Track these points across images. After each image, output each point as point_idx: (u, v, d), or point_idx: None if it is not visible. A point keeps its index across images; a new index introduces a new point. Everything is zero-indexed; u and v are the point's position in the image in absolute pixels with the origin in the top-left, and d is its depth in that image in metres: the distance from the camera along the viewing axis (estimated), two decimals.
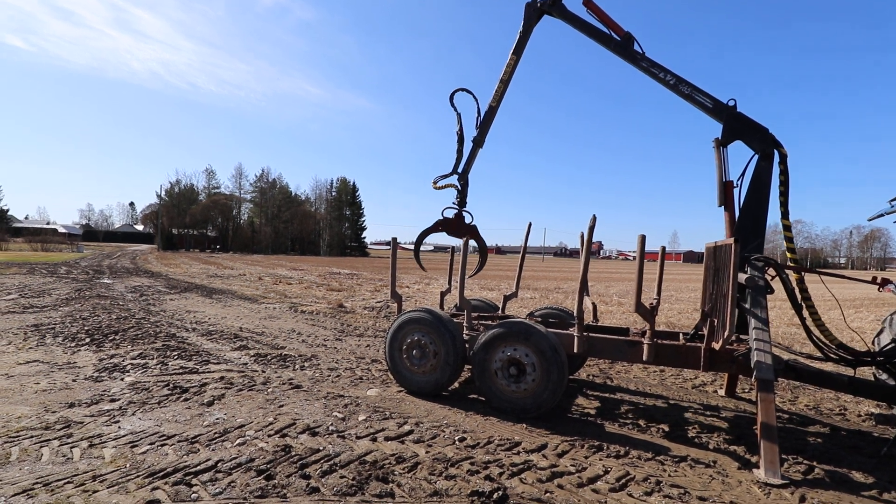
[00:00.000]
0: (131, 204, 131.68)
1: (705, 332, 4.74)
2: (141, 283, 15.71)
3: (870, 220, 4.30)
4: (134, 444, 3.46)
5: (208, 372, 5.34)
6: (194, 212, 75.70)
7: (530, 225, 6.36)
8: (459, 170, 5.99)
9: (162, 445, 3.43)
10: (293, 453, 3.29)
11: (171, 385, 4.80)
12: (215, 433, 3.62)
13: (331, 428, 3.76)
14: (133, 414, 4.04)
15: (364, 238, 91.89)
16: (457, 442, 3.68)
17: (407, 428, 3.89)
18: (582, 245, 5.83)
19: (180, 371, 5.34)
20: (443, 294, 6.49)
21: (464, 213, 6.10)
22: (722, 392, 5.48)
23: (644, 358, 4.18)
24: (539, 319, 5.54)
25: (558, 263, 70.48)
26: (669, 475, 3.31)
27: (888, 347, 4.01)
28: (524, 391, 4.30)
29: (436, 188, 6.10)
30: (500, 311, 6.21)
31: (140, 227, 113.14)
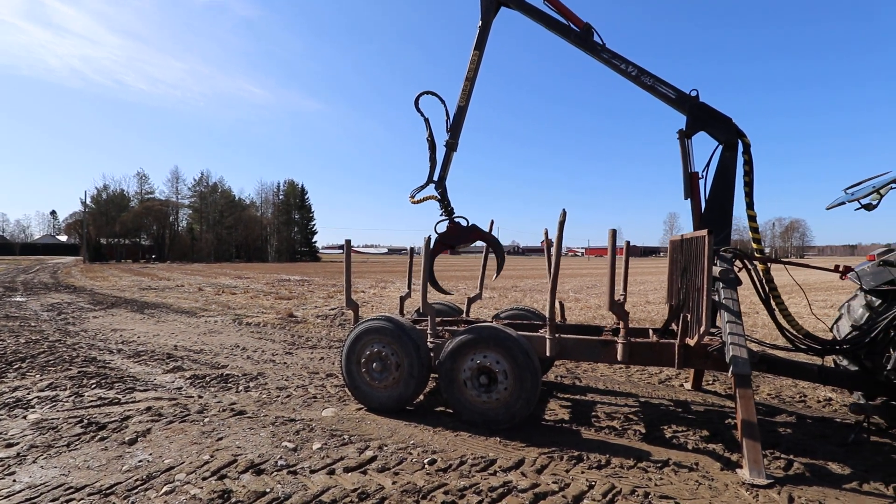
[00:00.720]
0: (52, 213, 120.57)
1: (676, 327, 4.64)
2: (60, 300, 14.08)
3: (828, 208, 4.38)
4: (32, 501, 2.80)
5: (132, 402, 4.62)
6: (125, 219, 70.25)
7: (492, 223, 6.07)
8: (436, 178, 5.59)
9: (68, 502, 2.80)
10: (234, 500, 2.77)
11: (86, 421, 4.07)
12: (137, 480, 3.02)
13: (280, 462, 3.25)
14: (34, 461, 3.34)
15: (315, 242, 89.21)
16: (426, 466, 3.29)
17: (369, 454, 3.45)
18: (547, 243, 5.61)
19: (98, 403, 4.58)
20: (402, 299, 6.07)
21: (456, 220, 5.69)
22: (688, 385, 5.44)
23: (619, 357, 3.98)
24: (506, 322, 5.25)
25: (512, 261, 71.56)
26: (656, 484, 3.10)
27: (851, 336, 4.03)
28: (496, 401, 3.98)
29: (414, 203, 5.65)
30: (464, 315, 5.88)
31: (63, 238, 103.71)
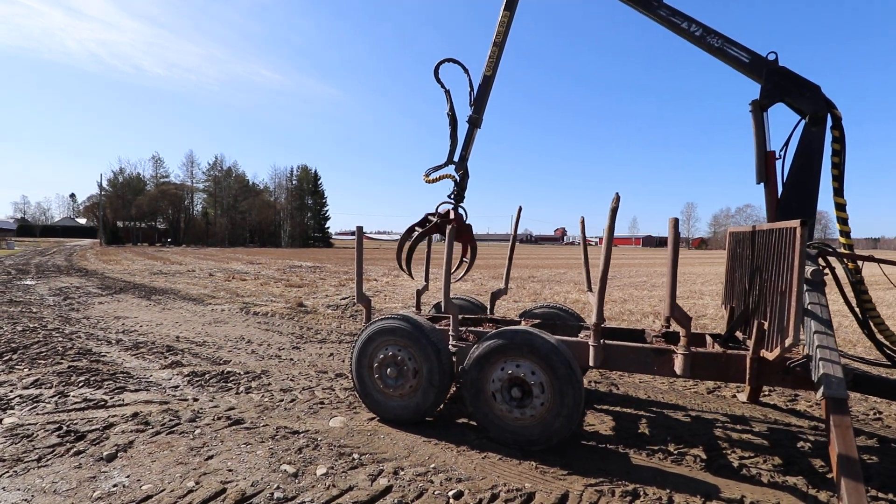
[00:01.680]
0: (72, 196, 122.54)
1: (741, 335, 3.99)
2: (69, 284, 13.85)
3: (428, 181, 4.85)
4: None
5: (120, 405, 4.15)
6: (141, 203, 70.91)
7: (520, 209, 5.44)
8: (456, 157, 4.96)
9: None
10: None
11: (64, 429, 3.60)
12: None
13: (277, 495, 2.72)
14: None
15: (328, 228, 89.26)
16: (451, 501, 2.74)
17: (383, 482, 2.91)
18: (583, 230, 4.97)
19: (82, 405, 4.12)
20: (419, 293, 5.50)
21: (460, 211, 5.08)
22: (742, 397, 4.79)
23: (678, 370, 3.36)
24: (537, 322, 4.65)
25: (525, 250, 70.60)
26: None
27: None
28: (530, 418, 3.41)
29: (428, 182, 5.02)
30: (488, 312, 5.28)
31: (82, 221, 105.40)
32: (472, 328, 4.18)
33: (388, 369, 3.84)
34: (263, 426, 3.78)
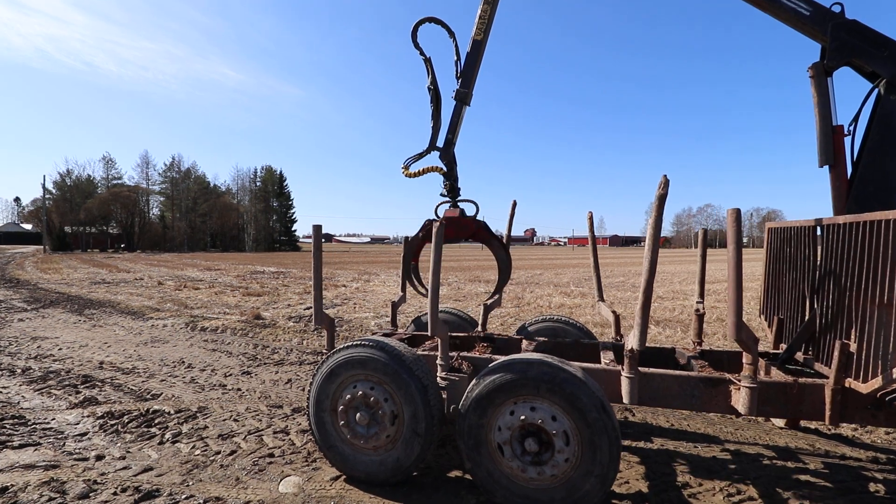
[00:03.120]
0: (16, 200, 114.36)
1: (803, 355, 3.25)
2: None
3: (409, 174, 4.03)
4: None
5: None
6: (91, 206, 66.47)
7: (515, 204, 4.59)
8: (440, 142, 4.05)
9: None
10: None
11: None
12: None
13: None
14: None
15: (295, 231, 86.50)
16: None
17: None
18: (592, 227, 4.17)
19: None
20: (395, 305, 4.55)
21: (460, 206, 4.18)
22: (779, 422, 4.10)
23: (742, 407, 2.57)
24: (543, 341, 3.80)
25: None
26: None
27: None
28: (551, 478, 2.54)
29: (408, 175, 4.07)
30: (479, 328, 4.40)
31: (28, 227, 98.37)
32: (465, 354, 3.28)
33: (358, 414, 2.90)
34: (187, 499, 2.76)
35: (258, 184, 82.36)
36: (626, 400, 2.75)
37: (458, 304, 10.90)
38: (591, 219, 4.15)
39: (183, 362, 5.90)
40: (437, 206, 4.24)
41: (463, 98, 4.06)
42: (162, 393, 4.73)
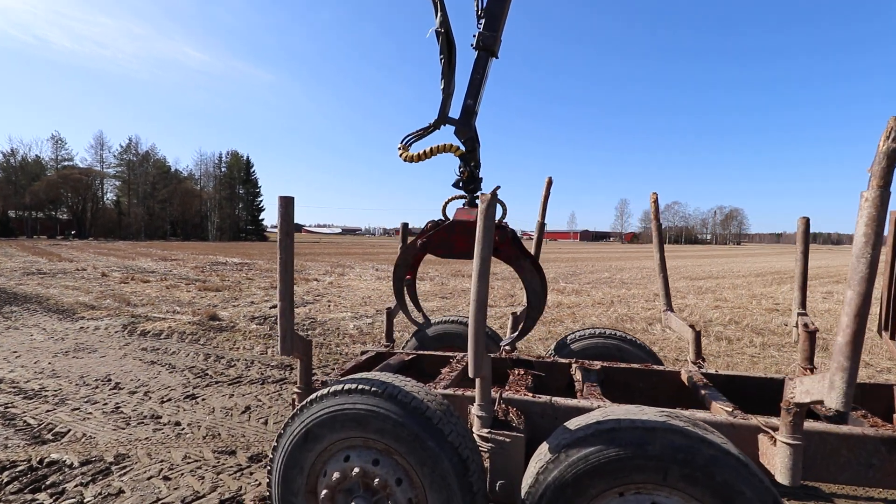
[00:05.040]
0: None
1: None
2: None
3: (409, 158, 2.77)
4: None
5: None
6: (37, 190, 61.59)
7: (550, 182, 3.54)
8: (454, 111, 2.85)
9: None
10: None
11: None
12: None
13: None
14: None
15: (262, 220, 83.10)
16: None
17: None
18: (656, 210, 3.17)
19: None
20: (391, 315, 3.45)
21: (477, 202, 2.95)
22: None
23: None
24: (595, 366, 2.77)
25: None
26: None
27: None
28: None
29: (409, 159, 2.83)
30: (505, 344, 3.33)
31: None
32: (511, 396, 2.21)
33: (354, 502, 1.79)
34: None
35: (223, 169, 78.51)
36: (782, 479, 1.75)
37: (445, 301, 9.84)
38: (655, 202, 3.14)
39: (109, 381, 4.60)
40: (447, 203, 3.02)
41: (489, 45, 2.89)
42: (69, 430, 3.47)
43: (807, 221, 3.03)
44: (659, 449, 1.54)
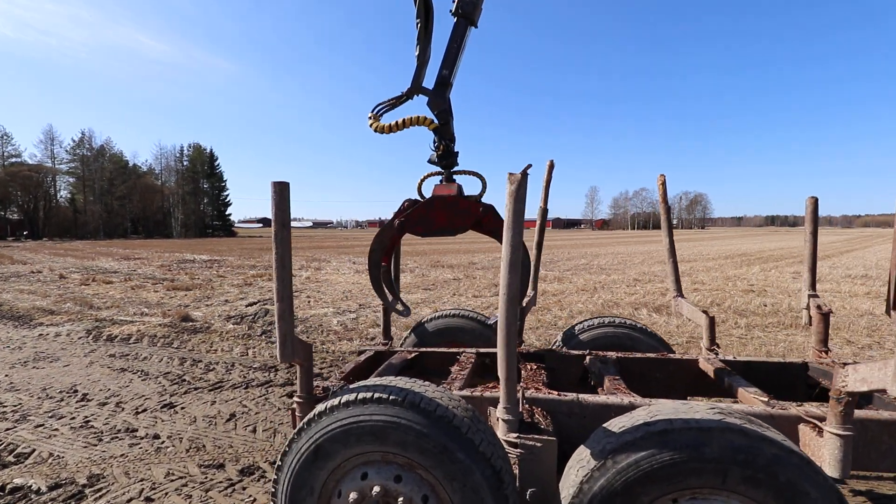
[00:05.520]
0: None
1: None
2: None
3: (379, 129, 2.57)
4: None
5: None
6: None
7: (552, 165, 3.38)
8: (428, 82, 2.63)
9: None
10: None
11: None
12: None
13: None
14: None
15: (229, 215, 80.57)
16: None
17: None
18: (665, 194, 3.07)
19: None
20: (388, 310, 3.23)
21: (455, 179, 2.78)
22: None
23: None
24: (610, 356, 2.64)
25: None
26: None
27: None
28: None
29: (379, 130, 2.59)
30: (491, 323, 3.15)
31: None
32: (536, 395, 2.04)
33: None
34: None
35: (185, 163, 75.44)
36: (831, 471, 1.65)
37: (429, 293, 9.65)
38: (663, 184, 3.03)
39: (75, 392, 4.22)
40: (423, 180, 2.82)
41: (468, 13, 2.68)
42: (33, 450, 3.12)
43: (815, 201, 2.98)
44: (717, 450, 1.41)
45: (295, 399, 2.03)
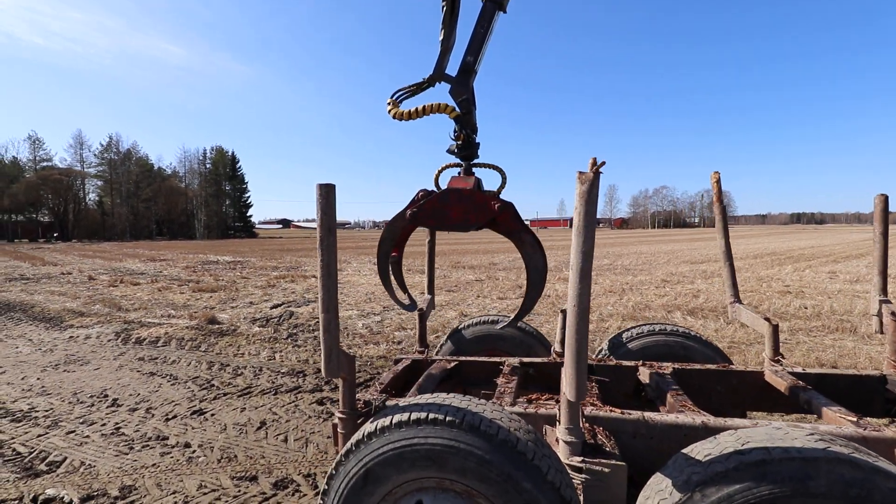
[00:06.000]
0: None
1: None
2: None
3: (399, 116, 2.33)
4: None
5: None
6: (16, 192, 59.80)
7: (596, 163, 3.19)
8: (451, 68, 2.46)
9: None
10: None
11: None
12: None
13: None
14: None
15: (250, 217, 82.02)
16: None
17: None
18: (718, 196, 2.86)
19: None
20: (423, 316, 3.10)
21: (474, 172, 2.63)
22: None
23: None
24: (665, 368, 2.46)
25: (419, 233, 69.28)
26: None
27: None
28: None
29: (398, 117, 2.43)
30: (507, 327, 2.98)
31: None
32: (598, 413, 1.88)
33: None
34: None
35: (208, 166, 76.98)
36: None
37: (452, 295, 9.51)
38: (718, 181, 2.82)
39: (106, 397, 4.21)
40: (440, 171, 2.66)
41: None
42: (65, 459, 3.09)
43: (885, 199, 2.73)
44: (825, 485, 1.23)
45: (337, 414, 1.90)
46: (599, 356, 2.98)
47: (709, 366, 2.51)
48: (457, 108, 2.47)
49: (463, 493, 1.47)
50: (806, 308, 7.62)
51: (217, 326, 6.84)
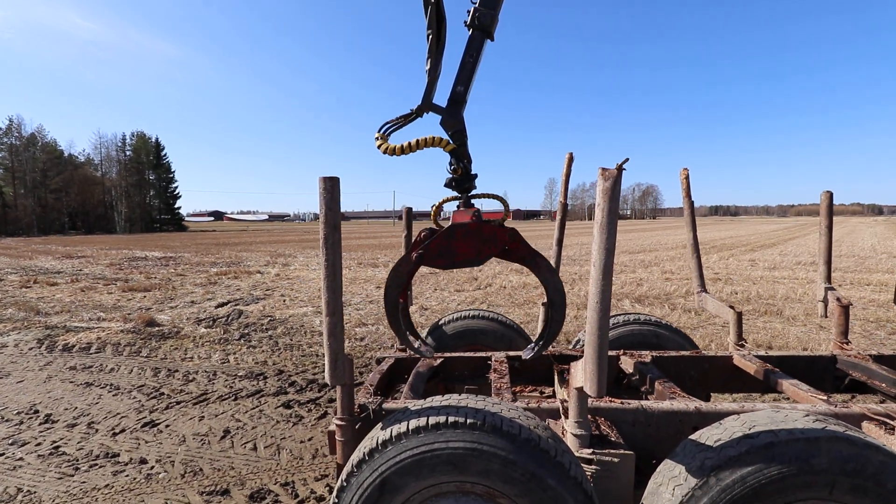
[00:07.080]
0: None
1: None
2: None
3: (389, 151, 2.28)
4: None
5: None
6: None
7: (571, 157, 3.26)
8: (439, 98, 2.37)
9: None
10: None
11: None
12: None
13: None
14: None
15: (178, 209, 76.28)
16: None
17: None
18: (687, 192, 3.02)
19: None
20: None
21: (473, 202, 2.53)
22: None
23: None
24: (643, 357, 2.57)
25: (367, 229, 68.74)
26: None
27: None
28: None
29: (389, 152, 2.29)
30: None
31: None
32: (601, 405, 1.92)
33: None
34: None
35: (128, 153, 70.57)
36: None
37: (441, 293, 9.39)
38: (686, 177, 2.98)
39: (36, 412, 3.75)
40: (439, 206, 2.58)
41: (485, 25, 2.41)
42: None
43: (830, 196, 3.01)
44: (826, 461, 1.34)
45: (335, 422, 1.81)
46: (578, 346, 3.07)
47: (682, 352, 2.66)
48: (449, 140, 2.36)
49: (484, 494, 1.45)
50: (736, 294, 8.32)
51: (157, 329, 6.31)
